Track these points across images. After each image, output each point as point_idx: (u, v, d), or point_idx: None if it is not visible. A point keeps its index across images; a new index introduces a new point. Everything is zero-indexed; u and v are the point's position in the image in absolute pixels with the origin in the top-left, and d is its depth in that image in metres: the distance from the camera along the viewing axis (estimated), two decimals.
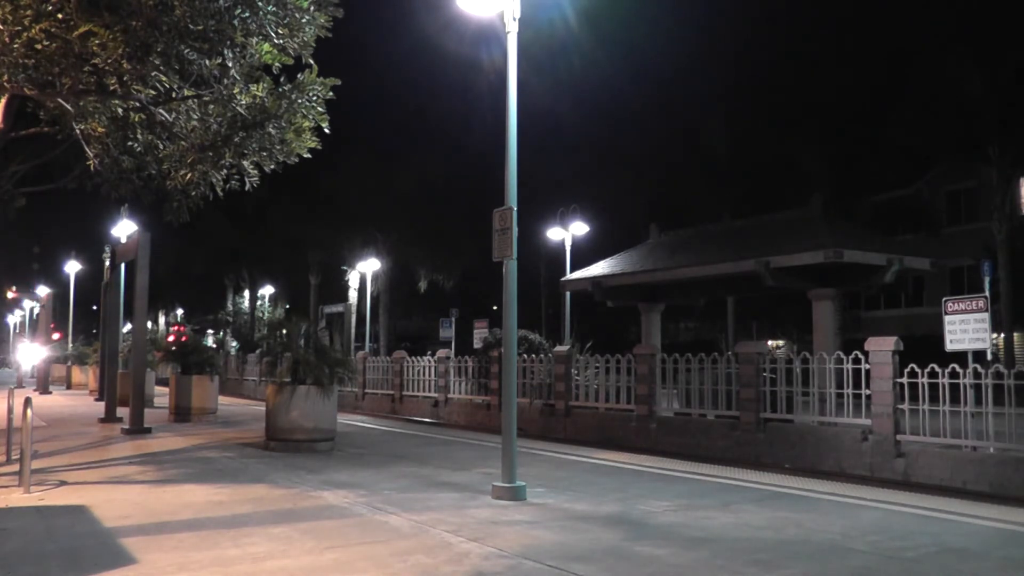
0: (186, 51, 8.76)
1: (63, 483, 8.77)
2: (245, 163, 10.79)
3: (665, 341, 19.99)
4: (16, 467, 8.77)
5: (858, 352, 10.83)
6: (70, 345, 36.73)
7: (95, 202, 23.23)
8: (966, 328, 10.34)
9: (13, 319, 64.88)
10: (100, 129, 11.01)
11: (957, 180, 36.03)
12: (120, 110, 10.47)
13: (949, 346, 10.52)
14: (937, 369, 9.96)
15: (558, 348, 16.85)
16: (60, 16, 8.25)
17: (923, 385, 10.09)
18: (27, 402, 8.55)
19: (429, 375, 20.29)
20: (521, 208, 8.56)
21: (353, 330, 44.28)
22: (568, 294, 24.27)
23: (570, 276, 20.85)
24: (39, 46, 8.38)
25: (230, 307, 60.17)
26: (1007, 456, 9.35)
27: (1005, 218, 29.95)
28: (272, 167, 10.94)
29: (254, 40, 9.35)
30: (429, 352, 21.83)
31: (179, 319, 60.12)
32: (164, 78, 9.37)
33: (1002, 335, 30.40)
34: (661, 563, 5.66)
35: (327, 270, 47.88)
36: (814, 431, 11.47)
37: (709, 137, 37.06)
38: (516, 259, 8.48)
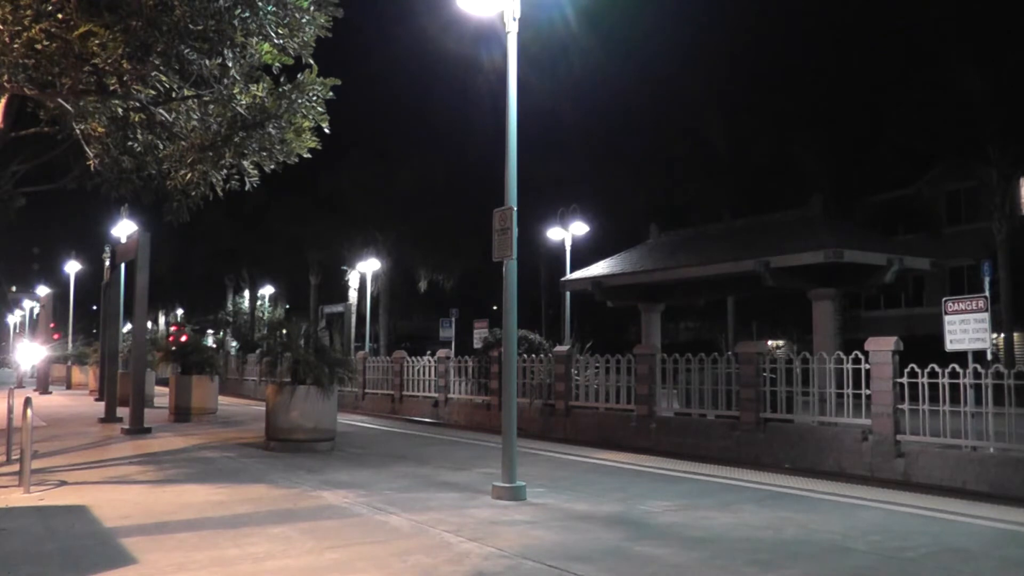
0: (186, 51, 8.76)
1: (63, 483, 8.77)
2: (245, 163, 10.79)
3: (665, 341, 19.98)
4: (16, 467, 8.77)
5: (858, 352, 10.83)
6: (70, 345, 36.71)
7: (95, 202, 23.26)
8: (966, 328, 10.33)
9: (13, 319, 64.89)
10: (100, 129, 11.01)
11: (957, 180, 36.01)
12: (120, 110, 10.46)
13: (949, 346, 10.51)
14: (937, 369, 9.96)
15: (558, 348, 16.84)
16: (60, 16, 8.25)
17: (923, 385, 10.09)
18: (27, 402, 8.55)
19: (429, 375, 20.28)
20: (521, 208, 8.56)
21: (353, 330, 44.26)
22: (568, 294, 24.27)
23: (570, 276, 20.84)
24: (39, 46, 8.38)
25: (230, 307, 60.19)
26: (1007, 456, 9.35)
27: (1005, 218, 29.95)
28: (272, 167, 10.95)
29: (254, 40, 9.35)
30: (429, 352, 21.81)
31: (179, 319, 60.07)
32: (164, 78, 9.37)
33: (1002, 335, 30.40)
34: (661, 563, 5.66)
35: (327, 270, 47.90)
36: (814, 431, 11.47)
37: (709, 137, 37.04)
38: (516, 259, 8.48)
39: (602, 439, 14.33)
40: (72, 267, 37.16)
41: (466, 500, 8.00)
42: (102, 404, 17.79)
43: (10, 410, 11.70)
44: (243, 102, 10.19)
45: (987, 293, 11.93)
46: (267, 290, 59.01)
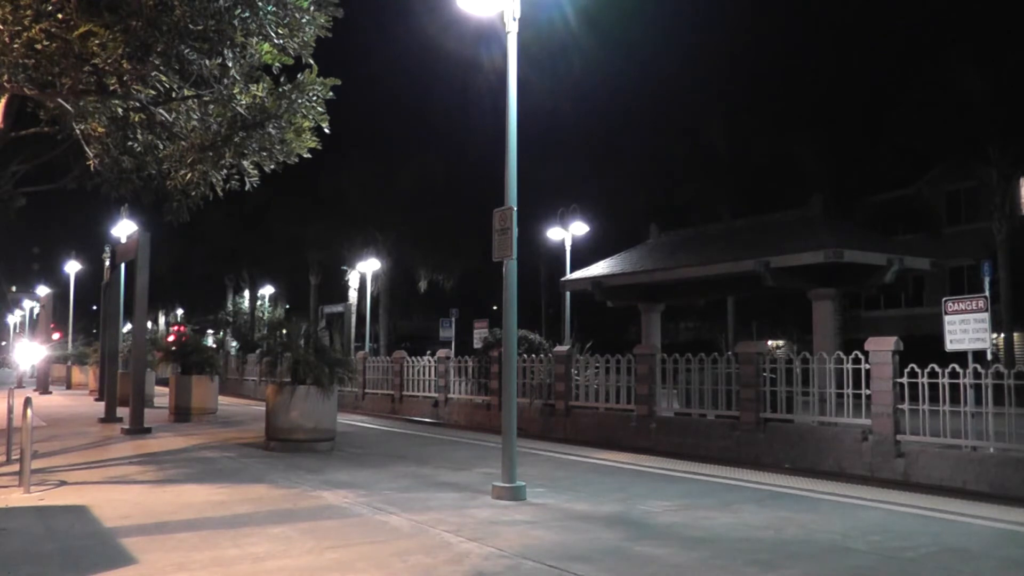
0: (186, 51, 8.76)
1: (63, 483, 8.77)
2: (245, 163, 10.79)
3: (665, 341, 19.98)
4: (16, 467, 8.77)
5: (858, 352, 10.82)
6: (70, 345, 36.72)
7: (95, 202, 23.26)
8: (966, 328, 10.33)
9: (13, 319, 64.89)
10: (100, 129, 11.01)
11: (957, 180, 36.01)
12: (120, 110, 10.46)
13: (949, 346, 10.51)
14: (937, 369, 9.96)
15: (558, 348, 16.84)
16: (60, 16, 8.24)
17: (923, 385, 10.09)
18: (27, 402, 8.55)
19: (429, 375, 20.28)
20: (521, 208, 8.55)
21: (353, 330, 44.25)
22: (568, 294, 24.26)
23: (570, 276, 20.84)
24: (39, 46, 8.38)
25: (230, 307, 60.17)
26: (1007, 456, 9.34)
27: (1005, 218, 29.95)
28: (272, 167, 10.94)
29: (254, 40, 9.35)
30: (429, 352, 21.81)
31: (179, 319, 60.09)
32: (164, 78, 9.36)
33: (1002, 335, 30.40)
34: (661, 563, 5.66)
35: (327, 270, 47.88)
36: (814, 431, 11.47)
37: (709, 137, 37.04)
38: (516, 259, 8.48)
39: (602, 439, 14.33)
40: (72, 267, 37.16)
41: (466, 500, 8.00)
42: (102, 404, 17.79)
43: (10, 410, 11.70)
44: (243, 102, 10.19)
45: (987, 293, 11.93)
46: (267, 290, 59.00)
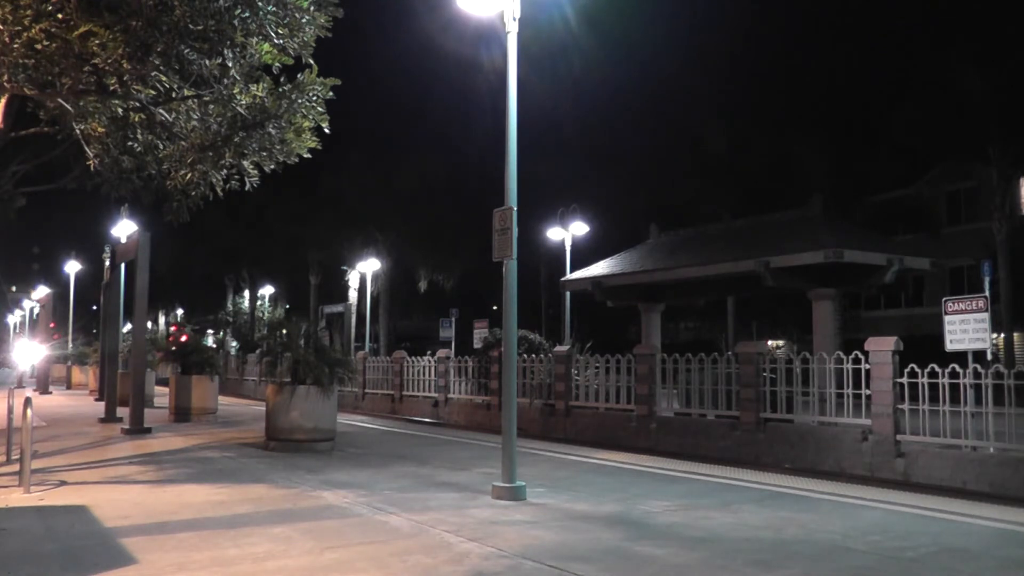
0: (186, 51, 8.76)
1: (63, 483, 8.77)
2: (245, 163, 10.79)
3: (665, 341, 19.97)
4: (16, 467, 8.77)
5: (858, 352, 10.82)
6: (70, 345, 36.71)
7: (95, 202, 23.29)
8: (966, 328, 10.33)
9: (13, 319, 64.89)
10: (100, 129, 11.01)
11: (957, 180, 36.03)
12: (120, 110, 10.45)
13: (949, 346, 10.51)
14: (937, 369, 9.96)
15: (558, 348, 16.84)
16: (60, 16, 8.24)
17: (923, 385, 10.09)
18: (27, 402, 8.55)
19: (429, 375, 20.28)
20: (521, 208, 8.56)
21: (353, 330, 44.24)
22: (568, 294, 24.27)
23: (570, 276, 20.84)
24: (39, 46, 8.38)
25: (230, 307, 60.17)
26: (1007, 456, 9.35)
27: (1005, 218, 29.95)
28: (272, 167, 10.94)
29: (254, 40, 9.35)
30: (429, 352, 21.81)
31: (179, 319, 60.07)
32: (164, 78, 9.36)
33: (1002, 335, 30.40)
34: (661, 563, 5.66)
35: (327, 270, 47.87)
36: (814, 431, 11.47)
37: (709, 137, 37.03)
38: (516, 259, 8.48)
39: (602, 439, 14.32)
40: (72, 267, 37.16)
41: (466, 500, 8.00)
42: (102, 404, 17.79)
43: (10, 410, 11.70)
44: (243, 102, 10.19)
45: (987, 293, 11.93)
46: (267, 290, 58.98)
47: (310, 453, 11.51)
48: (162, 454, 11.54)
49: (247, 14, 8.78)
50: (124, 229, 22.17)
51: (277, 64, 10.15)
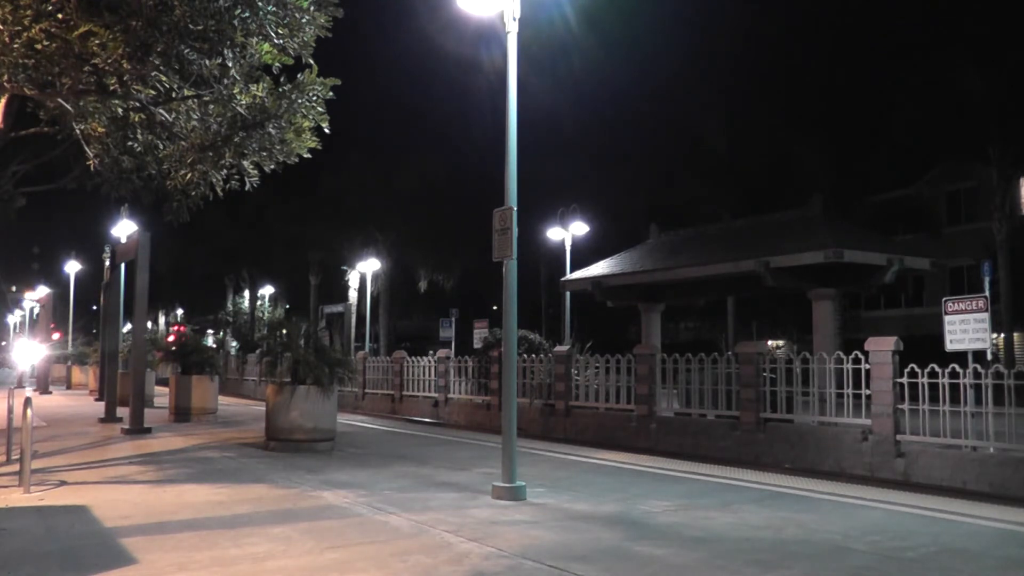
0: (186, 51, 8.76)
1: (63, 483, 8.77)
2: (245, 163, 10.79)
3: (665, 341, 19.97)
4: (16, 467, 8.77)
5: (858, 352, 10.82)
6: (70, 345, 36.71)
7: (95, 202, 23.30)
8: (966, 328, 10.33)
9: (13, 319, 64.87)
10: (100, 129, 11.01)
11: (957, 180, 36.03)
12: (120, 110, 10.46)
13: (949, 346, 10.51)
14: (937, 369, 9.96)
15: (558, 348, 16.84)
16: (60, 16, 8.25)
17: (923, 385, 10.09)
18: (27, 402, 8.55)
19: (429, 375, 20.28)
20: (521, 208, 8.56)
21: (353, 330, 44.25)
22: (568, 294, 24.26)
23: (570, 276, 20.83)
24: (39, 46, 8.38)
25: (230, 307, 60.17)
26: (1007, 456, 9.34)
27: (1005, 218, 29.95)
28: (272, 167, 10.95)
29: (254, 40, 9.35)
30: (429, 352, 21.82)
31: (179, 319, 60.11)
32: (164, 78, 9.36)
33: (1002, 335, 30.40)
34: (661, 563, 5.66)
35: (327, 270, 47.88)
36: (814, 431, 11.47)
37: (709, 137, 37.04)
38: (516, 259, 8.48)
39: (602, 439, 14.33)
40: (72, 267, 37.15)
41: (466, 500, 8.00)
42: (102, 404, 17.79)
43: (10, 410, 11.71)
44: (243, 102, 10.20)
45: (987, 293, 11.93)
46: (267, 290, 58.99)
47: (310, 453, 11.51)
48: (162, 454, 11.54)
49: (247, 14, 8.78)
50: (124, 229, 22.17)
51: (277, 64, 10.15)
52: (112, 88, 9.25)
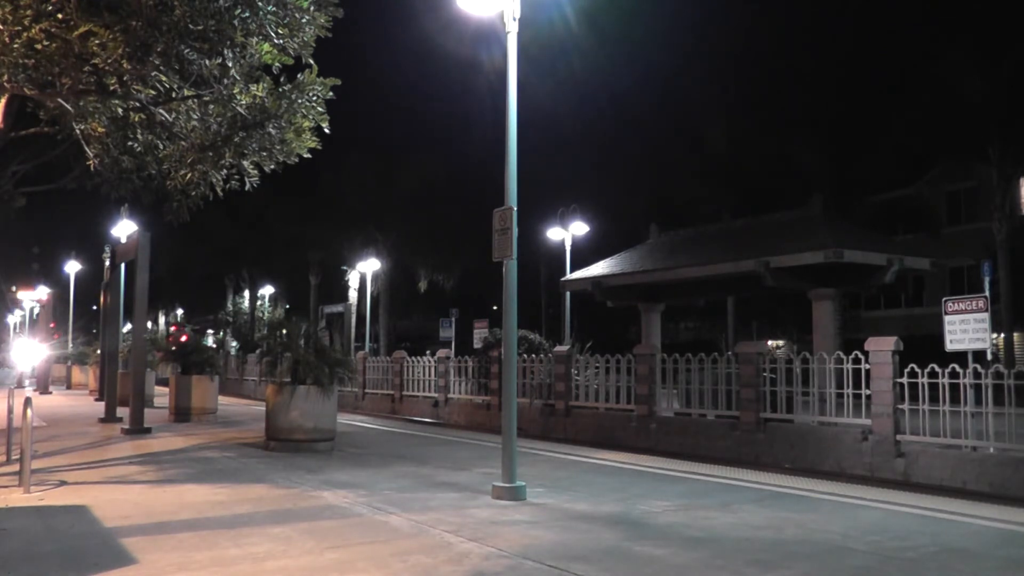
0: (186, 51, 8.76)
1: (63, 483, 8.77)
2: (245, 163, 10.79)
3: (665, 341, 19.97)
4: (16, 467, 8.77)
5: (858, 352, 10.82)
6: (70, 345, 36.70)
7: (95, 202, 23.28)
8: (966, 328, 10.33)
9: (13, 319, 64.84)
10: (100, 129, 11.01)
11: (957, 180, 36.03)
12: (120, 110, 10.46)
13: (949, 346, 10.51)
14: (937, 369, 9.96)
15: (558, 348, 16.84)
16: (60, 16, 8.25)
17: (923, 385, 10.09)
18: (27, 402, 8.55)
19: (429, 375, 20.28)
20: (521, 208, 8.55)
21: (353, 330, 44.24)
22: (568, 294, 24.26)
23: (570, 276, 20.84)
24: (39, 46, 8.38)
25: (230, 307, 60.16)
26: (1007, 456, 9.35)
27: (1005, 218, 29.95)
28: (272, 167, 10.95)
29: (254, 40, 9.35)
30: (429, 352, 21.82)
31: (179, 319, 60.09)
32: (164, 78, 9.36)
33: (1002, 335, 30.40)
34: (661, 563, 5.66)
35: (327, 270, 47.88)
36: (814, 431, 11.47)
37: (709, 137, 37.04)
38: (516, 259, 8.48)
39: (602, 439, 14.33)
40: (72, 267, 37.14)
41: (466, 500, 8.00)
42: (102, 404, 17.78)
43: (10, 410, 11.71)
44: (243, 102, 10.19)
45: (987, 293, 11.93)
46: (267, 290, 58.98)
47: (310, 453, 11.51)
48: (162, 454, 11.53)
49: (247, 14, 8.78)
50: (124, 229, 22.16)
51: (277, 64, 10.15)
52: (112, 88, 9.25)
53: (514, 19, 8.56)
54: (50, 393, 28.17)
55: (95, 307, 38.55)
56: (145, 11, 8.21)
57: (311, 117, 10.50)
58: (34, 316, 47.05)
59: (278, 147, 10.59)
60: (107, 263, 20.67)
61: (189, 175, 10.91)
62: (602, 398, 15.12)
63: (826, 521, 7.17)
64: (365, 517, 7.10)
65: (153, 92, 9.68)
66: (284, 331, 13.18)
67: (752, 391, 12.15)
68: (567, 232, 26.21)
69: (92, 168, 11.96)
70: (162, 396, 20.64)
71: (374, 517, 7.10)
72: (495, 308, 40.48)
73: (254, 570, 5.38)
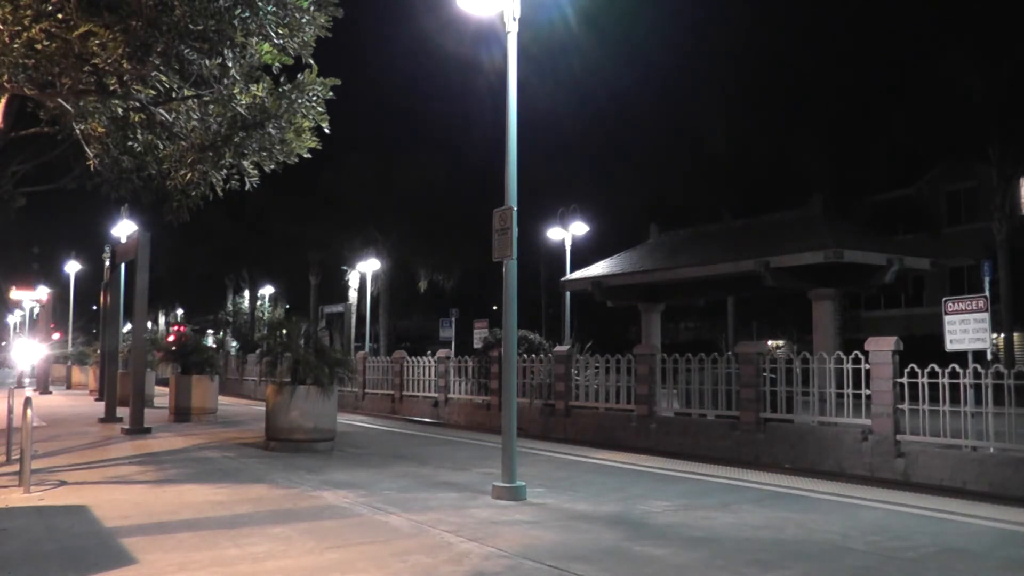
0: (186, 51, 8.76)
1: (63, 483, 8.77)
2: (245, 163, 10.79)
3: (665, 341, 19.98)
4: (16, 467, 8.77)
5: (858, 352, 10.82)
6: (70, 345, 36.69)
7: (95, 202, 23.28)
8: (966, 328, 10.33)
9: (13, 319, 64.86)
10: (100, 129, 11.01)
11: (957, 180, 36.03)
12: (120, 110, 10.46)
13: (949, 346, 10.51)
14: (937, 369, 9.96)
15: (558, 348, 16.84)
16: (60, 16, 8.25)
17: (923, 385, 10.09)
18: (27, 402, 8.55)
19: (429, 375, 20.28)
20: (521, 208, 8.55)
21: (353, 330, 44.26)
22: (568, 294, 24.26)
23: (570, 276, 20.83)
24: (39, 46, 8.39)
25: (230, 307, 60.18)
26: (1007, 456, 9.35)
27: (1005, 218, 29.95)
28: (272, 167, 10.94)
29: (254, 40, 9.35)
30: (429, 352, 21.82)
31: (179, 319, 60.11)
32: (164, 78, 9.36)
33: (1002, 335, 30.40)
34: (661, 563, 5.66)
35: (327, 270, 47.90)
36: (814, 431, 11.47)
37: (709, 137, 37.04)
38: (516, 259, 8.48)
39: (602, 439, 14.33)
40: (72, 267, 37.12)
41: (466, 500, 8.00)
42: (102, 404, 17.78)
43: (10, 410, 11.70)
44: (243, 102, 10.19)
45: (987, 293, 11.93)
46: (267, 290, 59.00)
47: (310, 453, 11.50)
48: (162, 454, 11.53)
49: (247, 14, 8.78)
50: (124, 229, 22.16)
51: (277, 64, 10.15)
52: (112, 88, 9.25)
53: (514, 19, 8.56)
54: (50, 393, 28.16)
55: (95, 307, 38.59)
56: (145, 11, 8.21)
57: (311, 117, 10.50)
58: (34, 316, 47.05)
59: (278, 147, 10.59)
60: (107, 263, 20.66)
61: (189, 175, 10.90)
62: (602, 398, 15.12)
63: (826, 521, 7.17)
64: (365, 517, 7.10)
65: (153, 92, 9.68)
66: (284, 331, 13.19)
67: (752, 391, 12.15)
68: (567, 232, 26.21)
69: (92, 168, 11.96)
70: (162, 396, 20.63)
71: (374, 517, 7.10)
72: (495, 308, 40.48)
73: (254, 570, 5.38)
